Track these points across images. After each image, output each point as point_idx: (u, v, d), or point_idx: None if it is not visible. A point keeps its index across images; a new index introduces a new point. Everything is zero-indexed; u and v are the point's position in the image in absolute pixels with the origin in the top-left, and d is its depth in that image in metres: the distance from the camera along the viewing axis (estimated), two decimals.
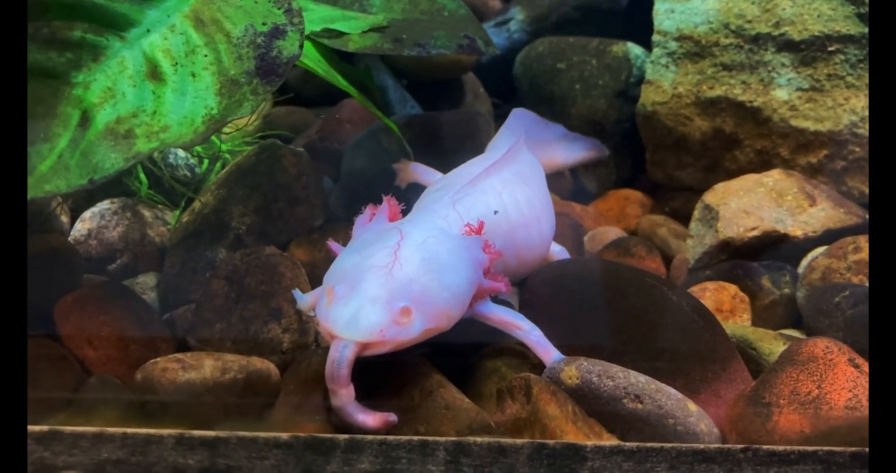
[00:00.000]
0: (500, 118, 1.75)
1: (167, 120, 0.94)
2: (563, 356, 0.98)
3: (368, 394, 0.96)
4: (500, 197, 1.11)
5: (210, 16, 1.01)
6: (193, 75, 0.97)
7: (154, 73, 0.97)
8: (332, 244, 1.03)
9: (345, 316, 0.87)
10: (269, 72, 0.97)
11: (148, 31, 1.00)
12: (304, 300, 1.04)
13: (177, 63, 0.98)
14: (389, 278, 0.90)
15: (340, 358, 0.86)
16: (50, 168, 0.90)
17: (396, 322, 0.88)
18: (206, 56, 0.98)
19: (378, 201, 1.06)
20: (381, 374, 0.97)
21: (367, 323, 0.86)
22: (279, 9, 1.02)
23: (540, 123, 1.51)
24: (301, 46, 0.99)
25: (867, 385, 0.90)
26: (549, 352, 0.99)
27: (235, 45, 0.99)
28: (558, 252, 1.25)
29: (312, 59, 1.17)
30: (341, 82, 1.19)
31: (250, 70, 0.98)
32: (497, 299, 1.07)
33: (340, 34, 1.21)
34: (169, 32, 1.00)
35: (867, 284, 1.14)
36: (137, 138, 0.92)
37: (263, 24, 1.01)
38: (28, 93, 0.92)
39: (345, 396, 0.88)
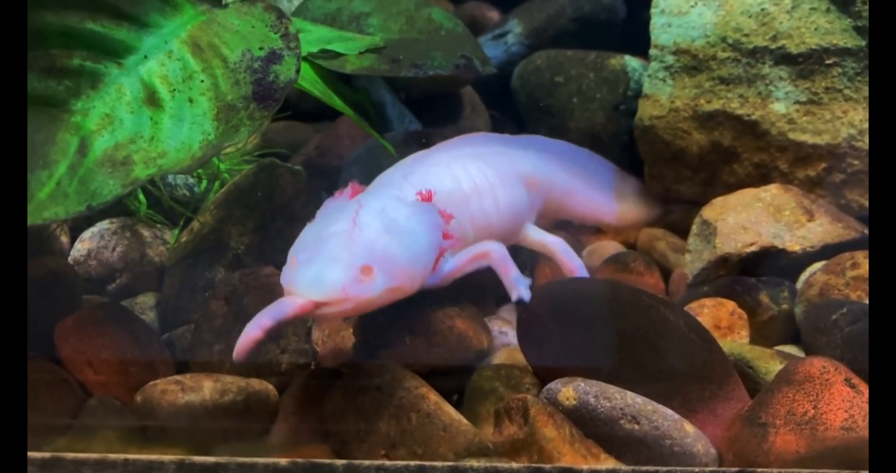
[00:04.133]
0: (497, 131, 1.76)
1: (165, 146, 0.95)
2: (525, 281, 1.04)
3: (366, 418, 0.96)
4: (448, 168, 1.15)
5: (207, 41, 1.02)
6: (191, 101, 0.98)
7: (152, 99, 0.98)
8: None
9: (308, 277, 0.90)
10: (265, 96, 0.98)
11: (146, 57, 1.01)
12: None
13: (174, 89, 0.98)
14: (350, 240, 0.93)
15: (293, 311, 0.89)
16: (48, 195, 0.91)
17: (358, 279, 0.90)
18: (202, 81, 0.99)
19: None
20: (379, 397, 0.97)
21: (330, 280, 0.89)
22: (276, 33, 1.03)
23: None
24: (298, 71, 1.00)
25: (863, 405, 0.90)
26: (509, 270, 1.05)
27: (232, 69, 1.00)
28: (551, 242, 1.26)
29: (309, 81, 1.18)
30: (338, 103, 1.20)
31: (247, 95, 0.98)
32: None
33: (337, 55, 1.22)
34: (166, 58, 1.00)
35: (865, 301, 1.14)
36: (135, 164, 0.93)
37: (260, 48, 1.01)
38: (27, 120, 0.93)
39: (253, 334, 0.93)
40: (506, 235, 1.22)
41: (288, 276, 0.92)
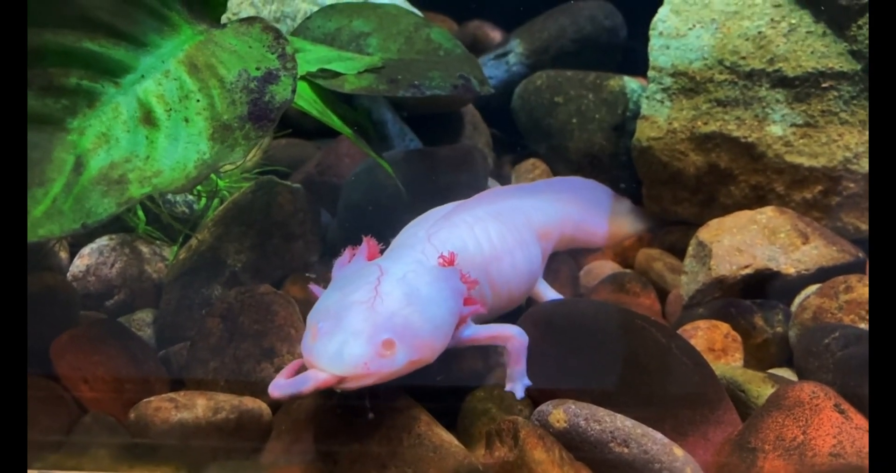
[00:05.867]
0: (498, 150, 1.77)
1: (160, 165, 0.95)
2: (527, 380, 1.02)
3: (357, 437, 0.96)
4: (472, 230, 1.14)
5: (204, 61, 1.03)
6: (186, 120, 0.98)
7: (148, 118, 0.98)
8: (314, 287, 1.06)
9: (329, 351, 0.88)
10: (261, 117, 0.99)
11: (142, 76, 1.01)
12: None
13: (170, 108, 0.99)
14: (372, 312, 0.91)
15: (314, 384, 0.87)
16: (44, 212, 0.92)
17: (380, 354, 0.89)
18: (199, 101, 0.99)
19: (375, 235, 1.08)
20: (371, 417, 0.98)
21: (352, 356, 0.88)
22: (273, 53, 1.04)
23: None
24: (294, 91, 1.01)
25: (852, 431, 0.90)
26: (518, 362, 1.03)
27: (229, 89, 1.00)
28: (553, 297, 1.27)
29: (307, 100, 1.18)
30: (336, 123, 1.21)
31: (243, 115, 0.99)
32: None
33: (336, 75, 1.23)
34: (163, 78, 1.01)
35: (858, 324, 1.14)
36: (130, 183, 0.94)
37: (257, 68, 1.02)
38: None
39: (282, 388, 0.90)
40: (521, 297, 1.22)
41: (309, 347, 0.91)
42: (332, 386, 0.88)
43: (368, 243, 1.06)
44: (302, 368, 0.92)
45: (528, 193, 1.37)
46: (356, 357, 0.88)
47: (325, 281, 1.09)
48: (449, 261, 1.02)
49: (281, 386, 0.89)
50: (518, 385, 1.02)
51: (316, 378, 0.87)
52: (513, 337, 1.03)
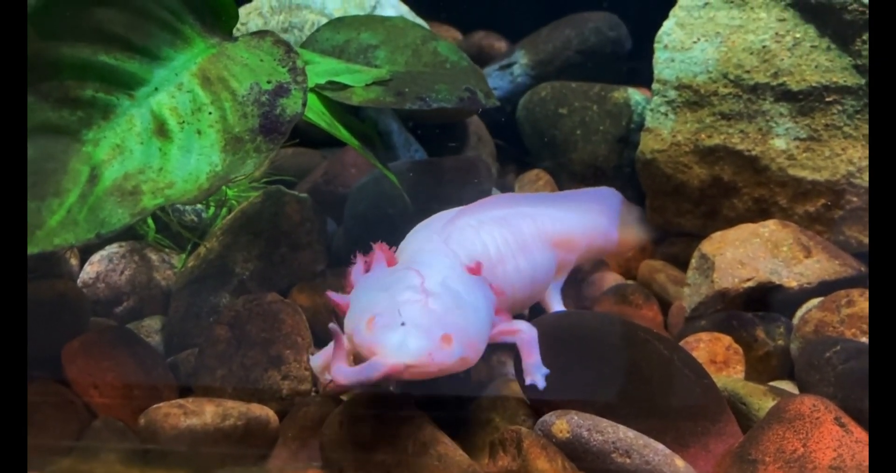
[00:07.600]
0: (502, 161, 1.78)
1: (173, 176, 0.97)
2: (544, 369, 1.03)
3: (363, 446, 0.98)
4: (478, 233, 1.16)
5: (217, 74, 1.04)
6: (199, 133, 1.00)
7: (161, 130, 1.00)
8: (332, 294, 1.07)
9: (394, 341, 0.91)
10: (272, 129, 1.01)
11: (156, 89, 1.03)
12: (318, 361, 1.11)
13: (183, 121, 1.01)
14: (427, 309, 0.95)
15: (384, 371, 0.90)
16: (59, 222, 0.93)
17: (440, 347, 0.92)
18: (211, 114, 1.01)
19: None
20: (376, 426, 0.99)
21: (417, 346, 0.91)
22: (284, 67, 1.05)
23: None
24: (304, 104, 1.02)
25: (852, 444, 0.91)
26: (531, 355, 1.04)
27: (240, 102, 1.02)
28: (558, 309, 1.28)
29: (316, 112, 1.20)
30: (343, 134, 1.22)
31: (254, 128, 1.01)
32: None
33: (344, 87, 1.24)
34: (176, 91, 1.03)
35: (859, 338, 1.15)
36: (144, 194, 0.96)
37: (268, 82, 1.04)
38: (40, 149, 0.96)
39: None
40: (525, 302, 1.25)
41: (369, 339, 0.93)
42: (399, 374, 0.91)
43: (383, 250, 1.08)
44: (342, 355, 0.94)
45: (536, 202, 1.37)
46: (422, 346, 0.91)
47: (335, 288, 1.10)
48: (475, 271, 1.05)
49: (347, 373, 0.91)
50: (537, 376, 1.03)
51: (385, 364, 0.90)
52: (521, 331, 1.06)
